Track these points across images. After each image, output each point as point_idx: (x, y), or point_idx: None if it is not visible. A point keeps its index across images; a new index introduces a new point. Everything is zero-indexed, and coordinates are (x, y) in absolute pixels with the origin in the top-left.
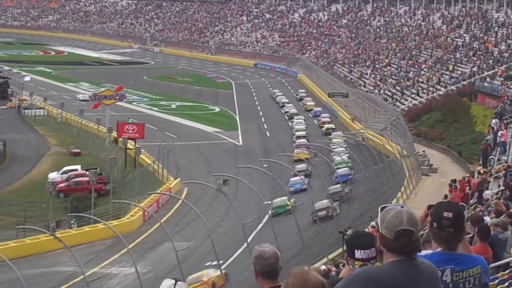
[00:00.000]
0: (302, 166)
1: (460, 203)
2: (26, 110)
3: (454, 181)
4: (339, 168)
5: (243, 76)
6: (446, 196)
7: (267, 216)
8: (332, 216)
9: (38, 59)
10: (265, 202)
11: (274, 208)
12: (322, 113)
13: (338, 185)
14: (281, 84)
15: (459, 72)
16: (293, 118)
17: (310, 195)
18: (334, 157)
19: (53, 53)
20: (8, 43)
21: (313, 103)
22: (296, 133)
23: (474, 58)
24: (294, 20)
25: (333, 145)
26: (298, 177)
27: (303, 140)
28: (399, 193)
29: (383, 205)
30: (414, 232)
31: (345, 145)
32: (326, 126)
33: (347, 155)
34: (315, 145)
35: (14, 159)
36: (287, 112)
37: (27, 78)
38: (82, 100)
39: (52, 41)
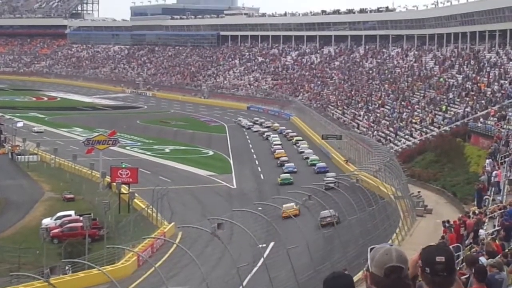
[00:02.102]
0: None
1: (455, 244)
2: (19, 156)
3: (448, 221)
4: (316, 163)
5: (235, 119)
6: (443, 237)
7: (262, 260)
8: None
9: (30, 105)
10: (260, 246)
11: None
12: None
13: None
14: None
15: (452, 112)
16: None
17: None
18: (310, 156)
19: (45, 98)
20: (0, 89)
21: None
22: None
23: (467, 99)
24: (287, 63)
25: (302, 149)
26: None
27: (291, 164)
28: (394, 235)
29: (372, 246)
30: (403, 269)
31: (311, 150)
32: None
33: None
34: (309, 187)
35: (8, 205)
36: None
37: (19, 124)
38: (37, 132)
39: (44, 87)
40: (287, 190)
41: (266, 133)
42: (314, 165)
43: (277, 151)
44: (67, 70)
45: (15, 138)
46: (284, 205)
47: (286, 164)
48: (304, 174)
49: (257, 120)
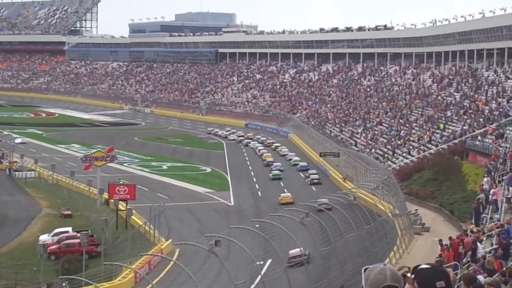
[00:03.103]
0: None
1: (453, 262)
2: (17, 172)
3: (442, 240)
4: (298, 163)
5: (232, 136)
6: (440, 255)
7: (259, 277)
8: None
9: (29, 121)
10: (258, 263)
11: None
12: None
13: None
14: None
15: (450, 130)
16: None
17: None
18: (292, 157)
19: (44, 115)
20: None
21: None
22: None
23: (465, 117)
24: (285, 80)
25: (283, 153)
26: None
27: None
28: (392, 253)
29: (366, 266)
30: None
31: (293, 153)
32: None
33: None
34: (306, 204)
35: (5, 221)
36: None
37: (18, 140)
38: (21, 143)
39: (43, 103)
40: (284, 208)
41: (245, 141)
42: (297, 164)
43: (264, 154)
44: (65, 87)
45: (13, 154)
46: (281, 194)
47: (274, 164)
48: (289, 171)
49: (229, 130)
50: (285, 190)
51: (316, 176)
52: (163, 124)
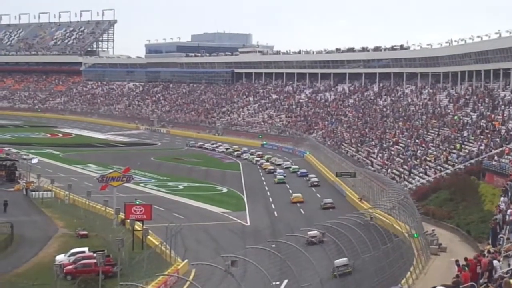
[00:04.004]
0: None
1: (470, 283)
2: (33, 192)
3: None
4: (297, 170)
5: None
6: (457, 276)
7: None
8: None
9: (45, 141)
10: (274, 283)
11: None
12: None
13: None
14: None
15: (466, 150)
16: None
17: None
18: (291, 165)
19: (60, 135)
20: (16, 125)
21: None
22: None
23: (482, 137)
24: (301, 100)
25: (278, 162)
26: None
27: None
28: (408, 273)
29: None
30: None
31: (289, 162)
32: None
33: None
34: (323, 224)
35: (22, 241)
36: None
37: (34, 161)
38: (32, 164)
39: (59, 124)
40: (300, 227)
41: (235, 152)
42: (296, 171)
43: (264, 163)
44: (82, 107)
45: (30, 174)
46: (293, 194)
47: (278, 171)
48: (291, 177)
49: (215, 143)
50: (291, 191)
51: (316, 179)
52: (179, 144)
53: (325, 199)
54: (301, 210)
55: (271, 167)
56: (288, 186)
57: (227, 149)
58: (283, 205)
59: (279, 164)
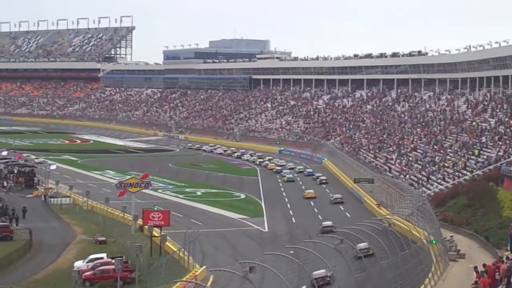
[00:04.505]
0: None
1: None
2: (52, 199)
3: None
4: (303, 170)
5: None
6: (476, 282)
7: None
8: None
9: (64, 147)
10: None
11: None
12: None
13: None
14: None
15: (485, 156)
16: None
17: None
18: (297, 167)
19: (78, 141)
20: (34, 132)
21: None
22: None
23: (500, 143)
24: (319, 106)
25: (281, 163)
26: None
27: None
28: (427, 279)
29: None
30: None
31: (292, 163)
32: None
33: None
34: (341, 231)
35: (40, 248)
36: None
37: (53, 167)
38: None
39: (77, 130)
40: (318, 234)
41: (236, 154)
42: (302, 171)
43: (269, 164)
44: (100, 113)
45: (48, 180)
46: (306, 190)
47: (284, 171)
48: (299, 176)
49: (213, 145)
50: (303, 187)
51: (324, 177)
52: (197, 150)
53: (335, 195)
54: (315, 208)
55: (278, 167)
56: (301, 183)
57: (225, 151)
58: (301, 211)
59: (282, 165)
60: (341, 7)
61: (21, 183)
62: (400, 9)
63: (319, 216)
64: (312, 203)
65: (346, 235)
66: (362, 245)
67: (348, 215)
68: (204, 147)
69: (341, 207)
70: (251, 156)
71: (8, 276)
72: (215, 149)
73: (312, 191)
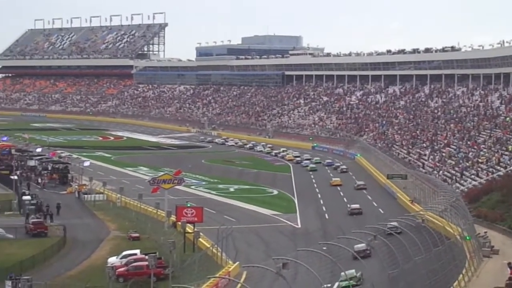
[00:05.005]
0: (362, 245)
1: None
2: (85, 195)
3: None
4: (320, 161)
5: (329, 169)
6: (510, 278)
7: None
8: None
9: (97, 144)
10: (325, 286)
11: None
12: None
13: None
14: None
15: None
16: None
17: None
18: (315, 158)
19: (112, 138)
20: (68, 129)
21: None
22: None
23: None
24: (352, 102)
25: (296, 155)
26: (307, 161)
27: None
28: (460, 276)
29: None
30: None
31: (307, 155)
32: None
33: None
34: (374, 227)
35: (74, 244)
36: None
37: (86, 164)
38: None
39: (111, 127)
40: (351, 230)
41: (248, 145)
42: (319, 162)
43: (287, 155)
44: (133, 110)
45: (82, 177)
46: (333, 178)
47: (304, 161)
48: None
49: (226, 138)
50: (331, 175)
51: (344, 167)
52: (230, 146)
53: (358, 181)
54: (341, 192)
55: (298, 158)
56: (329, 171)
57: (236, 143)
58: (334, 207)
59: (298, 156)
60: (374, 2)
61: (55, 180)
62: (433, 4)
63: (344, 199)
64: (339, 188)
65: (378, 231)
66: (360, 246)
67: (347, 174)
68: (216, 140)
69: (364, 191)
70: (264, 147)
71: (42, 272)
72: (226, 141)
73: (338, 178)
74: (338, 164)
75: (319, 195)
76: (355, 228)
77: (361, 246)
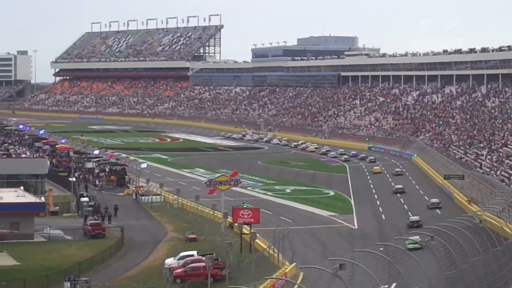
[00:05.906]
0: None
1: None
2: (143, 197)
3: None
4: (344, 153)
5: (357, 160)
6: None
7: None
8: None
9: (154, 146)
10: (382, 287)
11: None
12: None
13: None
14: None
15: None
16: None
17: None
18: (337, 150)
19: (168, 140)
20: (125, 131)
21: None
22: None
23: None
24: (408, 103)
25: (317, 146)
26: (334, 152)
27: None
28: None
29: None
30: None
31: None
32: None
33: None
34: (431, 227)
35: (132, 245)
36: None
37: (143, 165)
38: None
39: (167, 128)
40: (408, 231)
41: (265, 138)
42: (344, 154)
43: (309, 147)
44: (189, 112)
45: (139, 179)
46: (374, 167)
47: (331, 153)
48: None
49: (246, 133)
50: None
51: (372, 157)
52: (286, 148)
53: (396, 168)
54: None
55: (323, 150)
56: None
57: (261, 138)
58: (390, 208)
59: (317, 148)
60: (429, 2)
61: (113, 182)
62: (490, 3)
63: (401, 200)
64: (380, 176)
65: (436, 231)
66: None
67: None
68: (234, 135)
69: (402, 177)
70: (280, 141)
71: (100, 273)
72: (244, 136)
73: (378, 167)
74: (364, 155)
75: (376, 196)
76: (411, 230)
77: (414, 218)
